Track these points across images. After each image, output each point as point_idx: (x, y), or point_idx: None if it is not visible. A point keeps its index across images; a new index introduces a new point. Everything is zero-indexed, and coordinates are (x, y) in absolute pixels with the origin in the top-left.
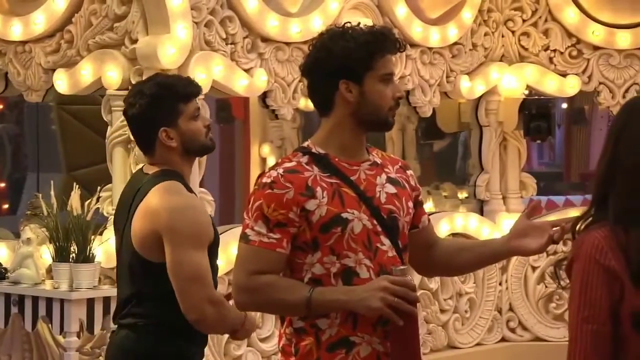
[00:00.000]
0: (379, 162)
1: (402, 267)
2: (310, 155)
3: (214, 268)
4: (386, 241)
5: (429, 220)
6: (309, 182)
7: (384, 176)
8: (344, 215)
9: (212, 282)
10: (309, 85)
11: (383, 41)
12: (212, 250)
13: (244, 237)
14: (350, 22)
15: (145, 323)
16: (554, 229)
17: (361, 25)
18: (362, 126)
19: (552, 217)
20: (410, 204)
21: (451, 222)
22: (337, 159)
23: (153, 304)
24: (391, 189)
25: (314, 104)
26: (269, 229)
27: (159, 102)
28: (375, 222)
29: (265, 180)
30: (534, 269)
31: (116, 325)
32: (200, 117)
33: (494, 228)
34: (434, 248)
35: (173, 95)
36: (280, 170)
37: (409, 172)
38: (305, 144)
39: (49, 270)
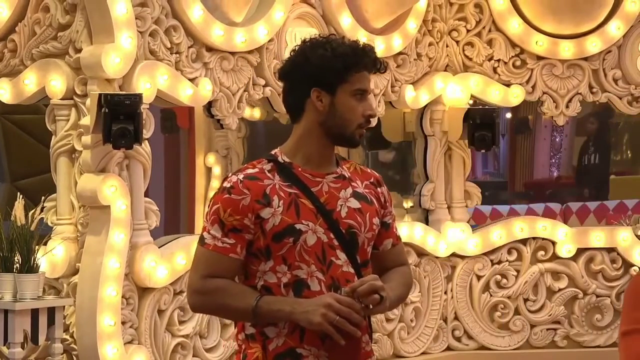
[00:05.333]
0: (347, 176)
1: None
2: (275, 163)
3: None
4: (342, 255)
5: (393, 245)
6: (267, 190)
7: (349, 190)
8: (298, 226)
9: None
10: (283, 89)
11: (361, 56)
12: None
13: (200, 240)
14: (335, 34)
15: None
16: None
17: (345, 39)
18: (329, 138)
19: (497, 226)
20: (376, 221)
21: None
22: (300, 169)
23: None
24: (355, 203)
25: (286, 109)
26: (224, 234)
27: None
28: (332, 235)
29: (225, 184)
30: (479, 277)
31: None
32: None
33: (439, 237)
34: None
35: None
36: (241, 176)
37: (381, 189)
38: (274, 151)
39: None
